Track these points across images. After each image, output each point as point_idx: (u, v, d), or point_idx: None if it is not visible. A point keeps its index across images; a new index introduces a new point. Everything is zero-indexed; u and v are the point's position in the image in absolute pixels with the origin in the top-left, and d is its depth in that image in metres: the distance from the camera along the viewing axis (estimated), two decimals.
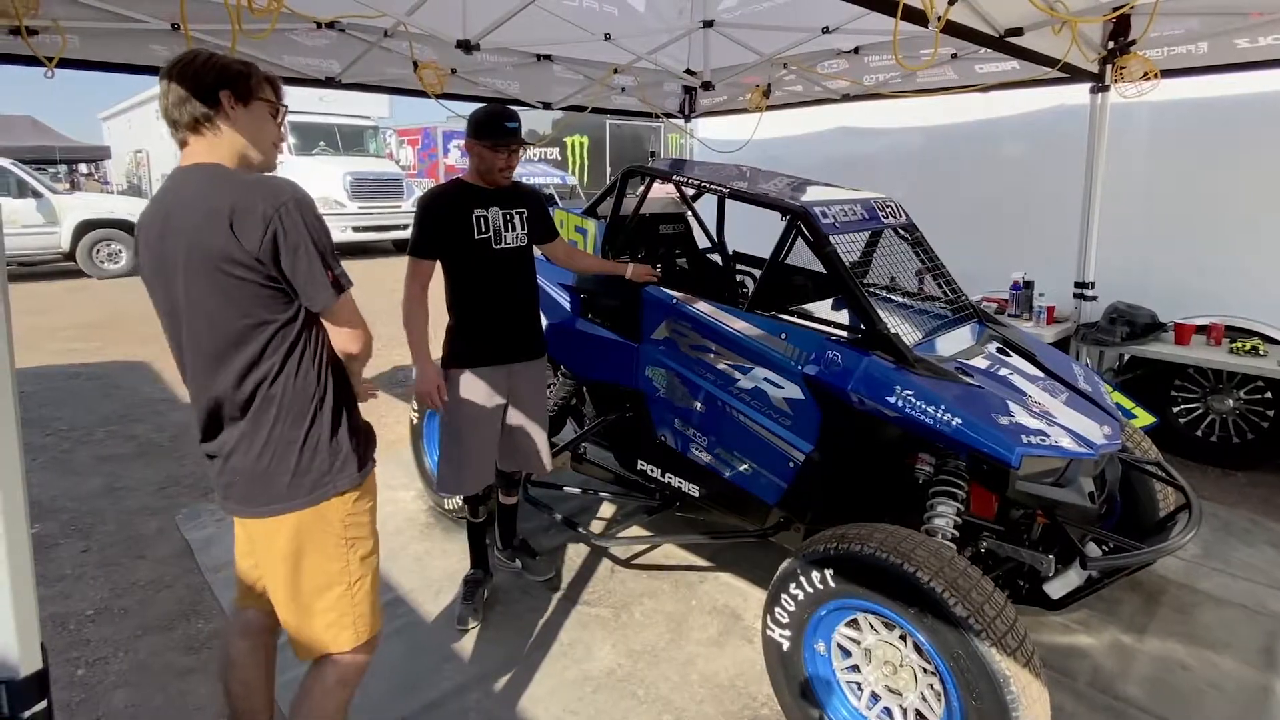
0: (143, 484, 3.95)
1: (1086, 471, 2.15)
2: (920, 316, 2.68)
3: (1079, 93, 3.92)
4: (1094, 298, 4.18)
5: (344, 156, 13.43)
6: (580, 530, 3.05)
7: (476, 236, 2.47)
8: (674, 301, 2.77)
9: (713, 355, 2.64)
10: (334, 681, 1.62)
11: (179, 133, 1.46)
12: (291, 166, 12.81)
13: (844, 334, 2.40)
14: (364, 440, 1.64)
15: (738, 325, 2.57)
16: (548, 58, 4.37)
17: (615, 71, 4.42)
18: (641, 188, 3.17)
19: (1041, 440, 2.01)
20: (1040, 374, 2.47)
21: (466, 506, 2.81)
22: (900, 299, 2.87)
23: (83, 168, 24.24)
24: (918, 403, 2.09)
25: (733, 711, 2.32)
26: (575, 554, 3.23)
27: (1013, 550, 2.17)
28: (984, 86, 4.14)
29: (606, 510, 3.62)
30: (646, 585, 3.02)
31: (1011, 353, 2.57)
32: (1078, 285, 4.18)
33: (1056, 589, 2.23)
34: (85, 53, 2.97)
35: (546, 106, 4.66)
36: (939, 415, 2.05)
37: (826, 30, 3.49)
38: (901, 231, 2.88)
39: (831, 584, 1.91)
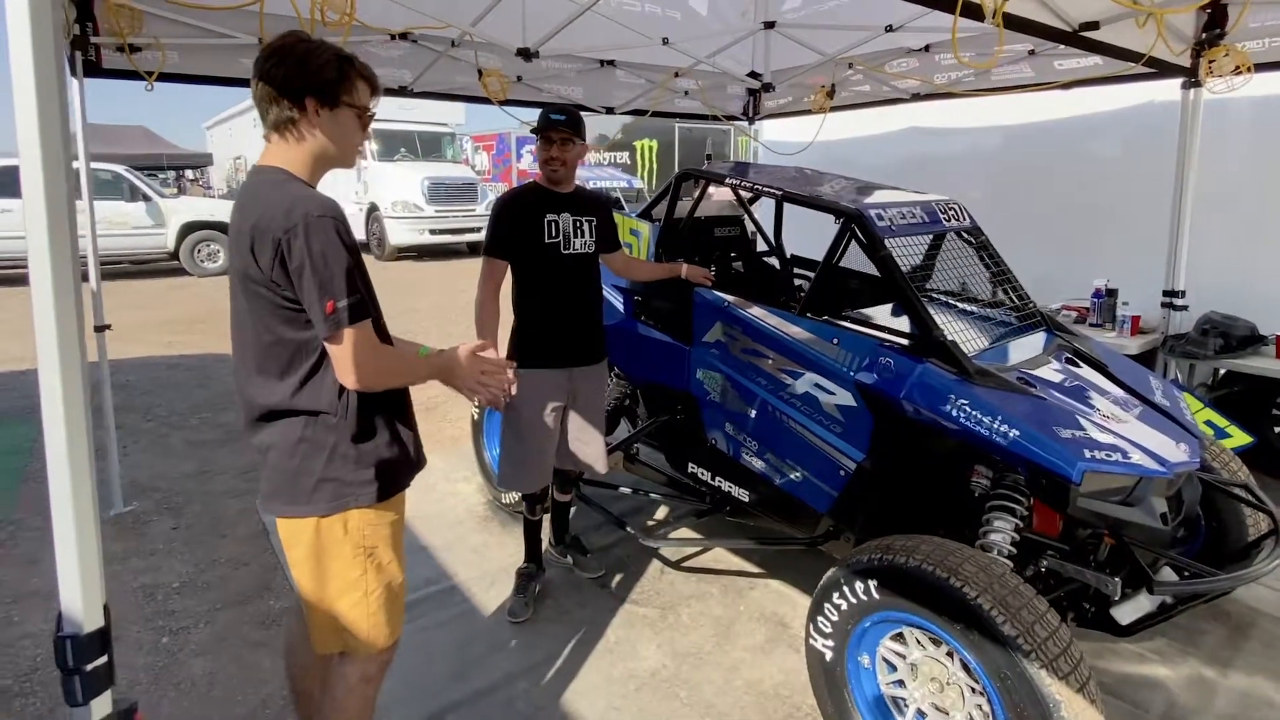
0: (228, 468, 4.22)
1: (1159, 491, 2.03)
2: (983, 324, 2.58)
3: (1169, 88, 3.68)
4: (1184, 307, 3.92)
5: (422, 162, 13.95)
6: (631, 530, 3.07)
7: (547, 240, 2.54)
8: (725, 304, 2.76)
9: (764, 359, 2.62)
10: (357, 679, 1.66)
11: (265, 128, 1.50)
12: (373, 171, 13.42)
13: (900, 340, 2.34)
14: (397, 465, 1.60)
15: (789, 329, 2.54)
16: (610, 63, 4.43)
17: (676, 75, 4.44)
18: (697, 191, 3.18)
19: (1107, 456, 1.91)
20: (1113, 387, 2.34)
21: (524, 503, 2.88)
22: (963, 305, 2.78)
23: (189, 173, 26.05)
24: (973, 413, 2.02)
25: (774, 718, 2.29)
26: (625, 553, 3.26)
27: (1076, 571, 2.07)
28: (1063, 84, 3.94)
29: (658, 511, 3.64)
30: (695, 588, 3.02)
31: (1082, 364, 2.45)
32: (1166, 294, 3.93)
33: (1126, 614, 2.12)
34: (182, 67, 3.21)
35: (609, 111, 4.72)
36: (996, 426, 1.98)
37: (890, 29, 3.40)
38: (966, 235, 2.79)
39: (875, 595, 1.87)
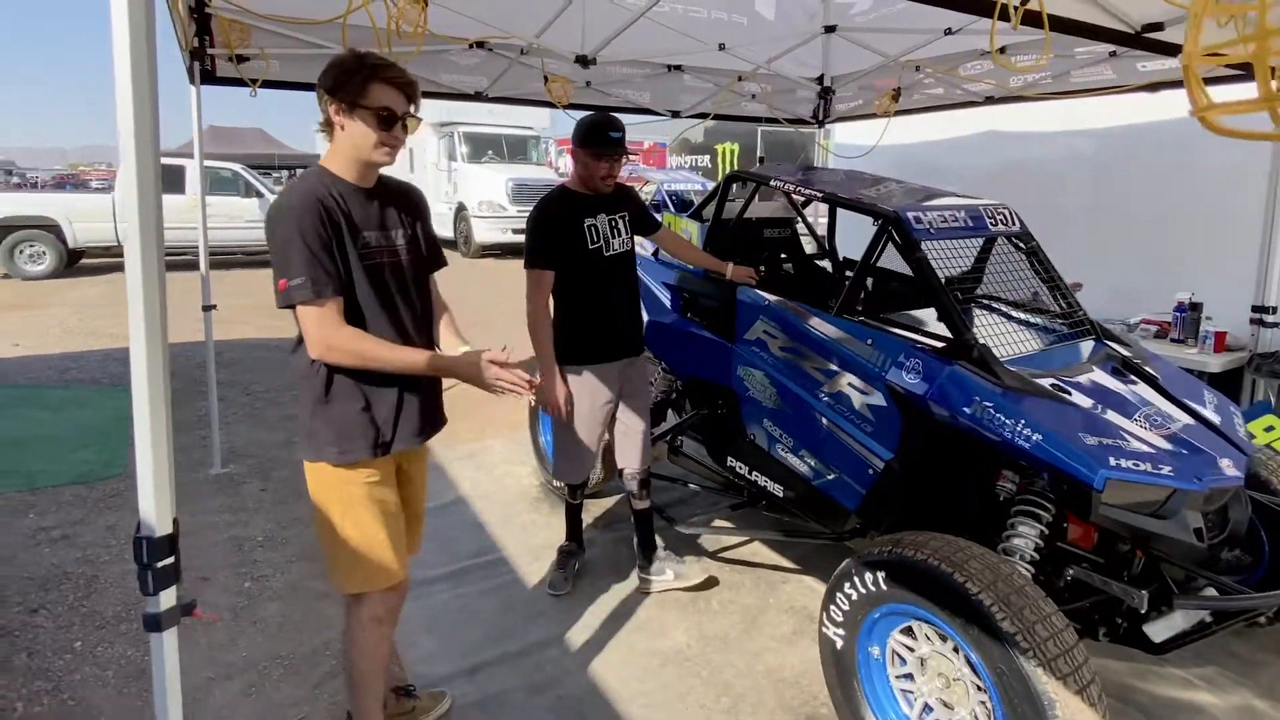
0: None
1: (1194, 505, 1.97)
2: (1025, 330, 2.55)
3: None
4: (1276, 324, 3.68)
5: (508, 164, 14.49)
6: (670, 518, 3.17)
7: (590, 247, 2.59)
8: (766, 303, 2.84)
9: (800, 358, 2.68)
10: (368, 618, 1.83)
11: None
12: (462, 173, 14.05)
13: (932, 343, 2.36)
14: (359, 437, 1.72)
15: (826, 329, 2.59)
16: (678, 68, 4.55)
17: (739, 79, 4.51)
18: (749, 193, 3.26)
19: (1135, 465, 1.88)
20: (1158, 398, 2.27)
21: (567, 489, 3.03)
22: (1007, 310, 2.74)
23: (300, 172, 28.02)
24: (996, 415, 2.03)
25: (792, 706, 2.36)
26: (664, 541, 3.36)
27: (1102, 582, 2.03)
28: (1142, 85, 3.77)
29: (698, 502, 3.72)
30: (729, 577, 3.10)
31: (1129, 374, 2.38)
32: (1255, 309, 3.70)
33: (1159, 631, 2.07)
34: (283, 75, 3.56)
35: (675, 115, 4.84)
36: (1018, 429, 1.98)
37: (949, 31, 3.37)
38: (1015, 240, 2.75)
39: (884, 587, 1.92)
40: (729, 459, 3.14)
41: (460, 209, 13.99)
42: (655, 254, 3.47)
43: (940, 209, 2.53)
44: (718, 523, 3.36)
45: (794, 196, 3.37)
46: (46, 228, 10.73)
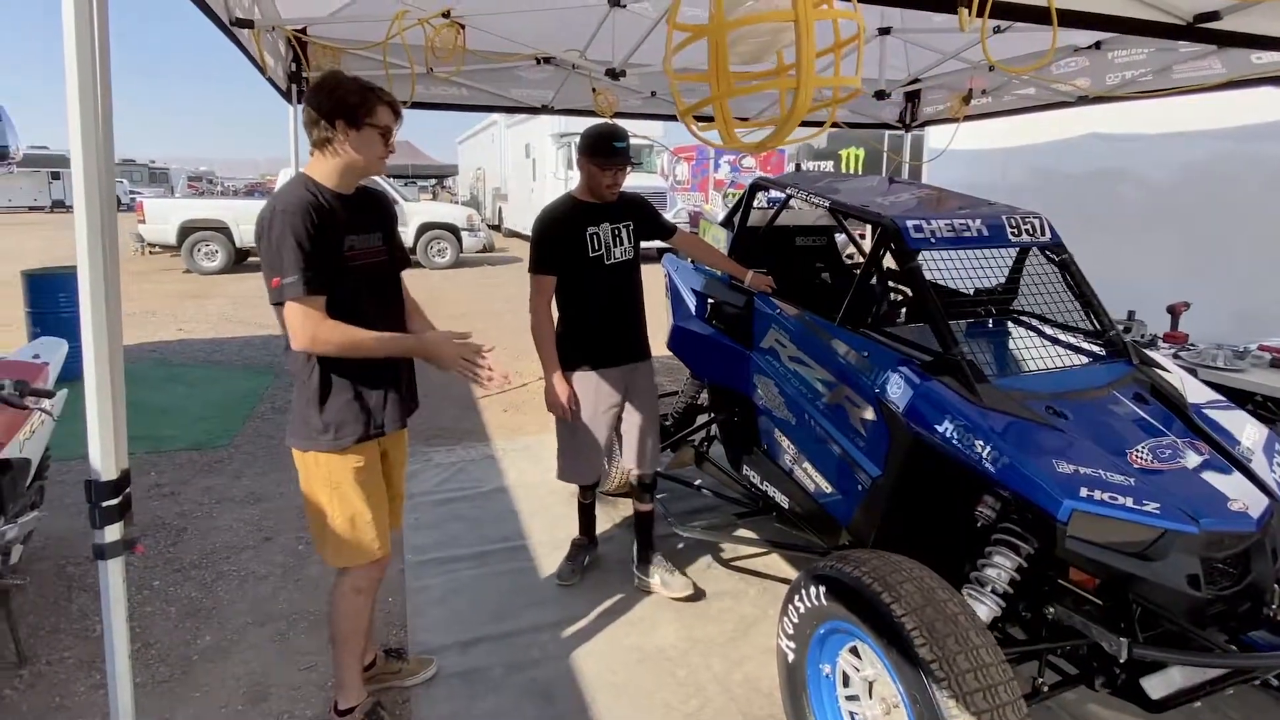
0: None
1: (1190, 549, 1.76)
2: (1043, 348, 2.37)
3: None
4: None
5: None
6: (670, 519, 3.18)
7: (590, 254, 2.64)
8: (778, 311, 2.82)
9: (806, 367, 2.65)
10: (349, 588, 2.04)
11: (310, 144, 1.90)
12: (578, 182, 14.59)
13: (923, 356, 2.25)
14: (351, 423, 1.90)
15: (828, 339, 2.54)
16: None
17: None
18: (781, 201, 3.23)
19: (1111, 499, 1.72)
20: (1179, 429, 2.04)
21: (579, 490, 3.13)
22: (1026, 326, 2.55)
23: (448, 181, 30.20)
24: (966, 435, 1.92)
25: (755, 716, 2.34)
26: (679, 543, 3.41)
27: (1082, 624, 1.87)
28: (1256, 78, 3.33)
29: (718, 507, 3.69)
30: (734, 585, 3.09)
31: (1154, 401, 2.16)
32: None
33: (1156, 687, 1.88)
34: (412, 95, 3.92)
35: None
36: (985, 451, 1.87)
37: (998, 30, 3.14)
38: (1047, 252, 2.56)
39: (823, 601, 1.88)
40: (744, 467, 3.13)
41: None
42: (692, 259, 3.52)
43: (949, 218, 2.41)
44: (717, 528, 3.31)
45: (821, 206, 3.29)
46: (219, 229, 12.37)
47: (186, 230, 12.29)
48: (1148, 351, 2.52)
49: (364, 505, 1.98)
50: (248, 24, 2.58)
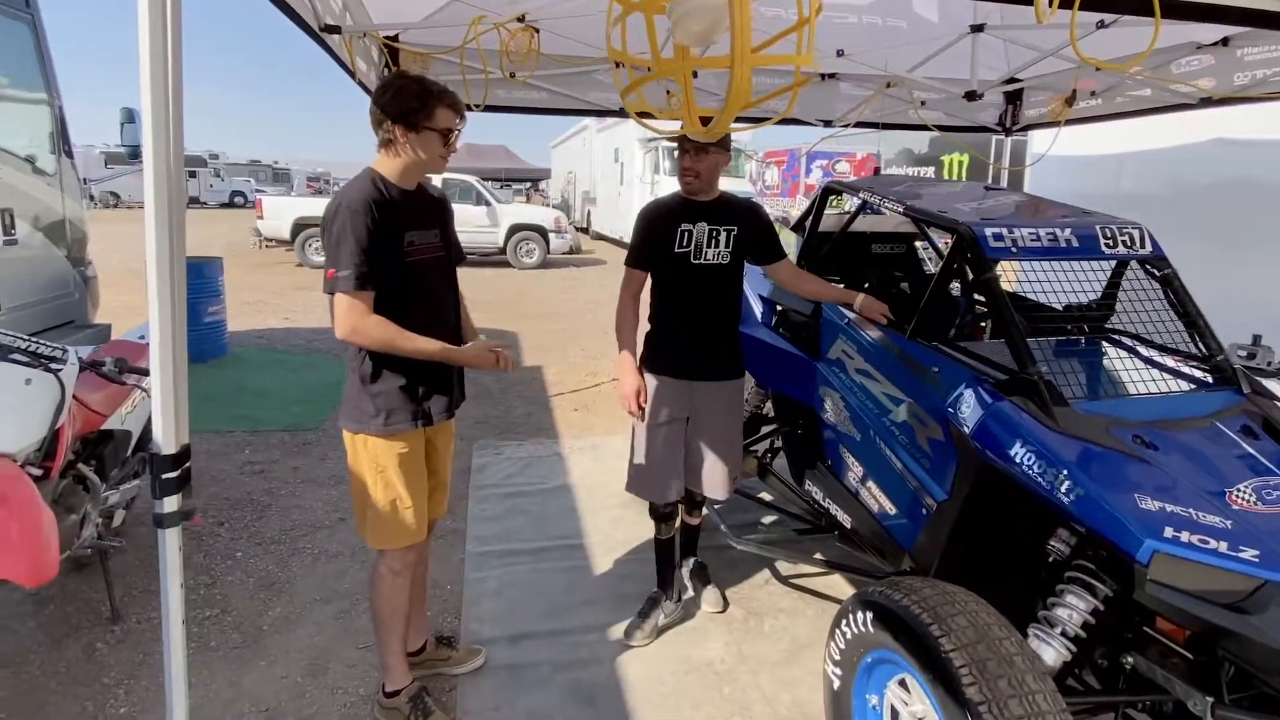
0: (466, 416, 5.20)
1: None
2: (1139, 371, 2.16)
3: None
4: None
5: None
6: (741, 534, 3.08)
7: (676, 250, 2.49)
8: (845, 321, 2.71)
9: (872, 381, 2.53)
10: (386, 569, 2.11)
11: (377, 142, 1.99)
12: (664, 185, 14.64)
13: (998, 375, 2.10)
14: (400, 410, 1.99)
15: (898, 352, 2.42)
16: (832, 76, 4.41)
17: (888, 86, 4.25)
18: (854, 206, 3.11)
19: (1200, 542, 1.54)
20: None
21: (655, 522, 2.77)
22: (1125, 346, 2.33)
23: (542, 184, 30.96)
24: (1038, 462, 1.78)
25: None
26: (739, 555, 3.32)
27: (1164, 678, 1.69)
28: None
29: (779, 522, 3.58)
30: (791, 603, 2.99)
31: (1266, 437, 1.92)
32: None
33: None
34: (491, 99, 4.05)
35: (827, 124, 4.68)
36: (1059, 482, 1.72)
37: (1101, 25, 2.87)
38: (1148, 266, 2.33)
39: (870, 629, 1.78)
40: (807, 482, 3.03)
41: None
42: None
43: (1034, 226, 2.23)
44: (775, 543, 3.15)
45: (895, 211, 3.14)
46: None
47: (300, 226, 13.17)
48: (1267, 382, 2.26)
49: (405, 491, 2.04)
50: (335, 30, 2.72)
